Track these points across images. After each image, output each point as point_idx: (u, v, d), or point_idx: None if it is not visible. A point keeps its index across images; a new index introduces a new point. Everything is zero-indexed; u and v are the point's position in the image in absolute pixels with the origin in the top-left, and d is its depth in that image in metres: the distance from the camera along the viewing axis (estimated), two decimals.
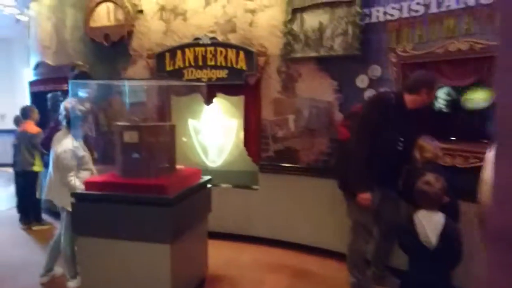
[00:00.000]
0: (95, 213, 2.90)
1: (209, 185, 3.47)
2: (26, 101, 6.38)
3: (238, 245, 4.47)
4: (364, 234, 3.19)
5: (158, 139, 3.05)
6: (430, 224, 2.44)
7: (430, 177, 2.54)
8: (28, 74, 6.46)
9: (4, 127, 8.47)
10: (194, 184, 3.22)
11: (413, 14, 3.50)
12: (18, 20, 7.33)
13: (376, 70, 3.79)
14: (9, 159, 5.24)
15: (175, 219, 2.81)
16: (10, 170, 5.35)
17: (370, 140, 2.98)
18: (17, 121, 5.35)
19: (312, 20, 4.08)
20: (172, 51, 4.67)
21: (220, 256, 4.04)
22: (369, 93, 3.83)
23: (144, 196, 2.80)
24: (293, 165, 4.29)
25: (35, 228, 5.16)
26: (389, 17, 3.67)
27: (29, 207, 5.17)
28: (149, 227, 2.78)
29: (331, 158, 4.06)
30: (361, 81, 3.89)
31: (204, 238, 3.53)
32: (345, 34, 3.92)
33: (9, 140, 5.21)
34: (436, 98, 3.49)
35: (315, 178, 4.15)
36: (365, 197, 3.01)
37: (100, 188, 2.93)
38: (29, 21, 6.47)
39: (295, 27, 4.16)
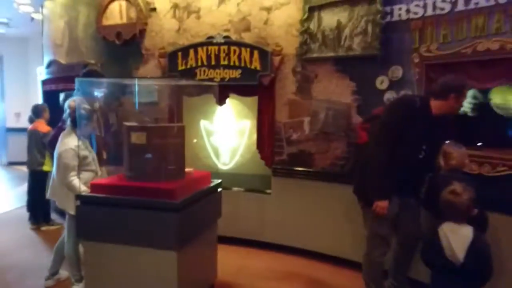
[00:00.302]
0: (100, 217, 2.78)
1: (219, 189, 3.32)
2: (40, 100, 6.36)
3: (249, 251, 4.32)
4: (381, 245, 3.00)
5: (167, 140, 2.91)
6: (456, 238, 2.25)
7: (457, 186, 2.34)
8: (42, 73, 6.44)
9: (20, 126, 8.49)
10: (203, 188, 3.08)
11: (439, 12, 3.30)
12: (33, 19, 7.35)
13: (397, 71, 3.60)
14: (24, 157, 5.19)
15: (182, 225, 2.66)
16: (25, 168, 5.30)
17: (390, 145, 2.80)
18: (31, 119, 5.30)
19: (330, 18, 3.91)
20: (185, 50, 4.55)
21: (230, 262, 3.89)
22: (389, 95, 3.64)
23: (150, 201, 2.66)
24: (307, 170, 4.11)
25: (43, 228, 5.10)
26: (412, 15, 3.47)
27: (38, 207, 5.10)
28: (155, 233, 2.64)
29: (348, 163, 3.88)
30: (381, 82, 3.70)
31: (214, 244, 3.38)
32: (365, 33, 3.73)
33: (25, 138, 5.16)
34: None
35: (330, 184, 3.97)
36: (382, 205, 2.83)
37: (105, 191, 2.81)
38: (43, 20, 6.45)
39: (312, 25, 4.00)
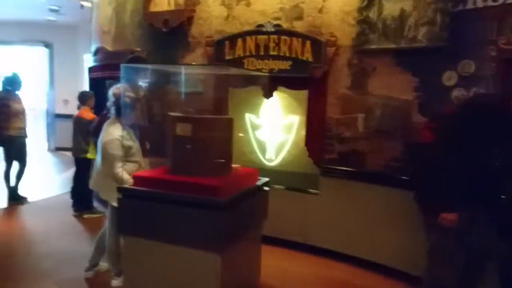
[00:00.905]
0: (141, 212, 2.64)
1: (266, 188, 3.10)
2: (86, 87, 6.40)
3: (291, 253, 4.09)
4: (444, 260, 2.68)
5: (214, 133, 2.72)
6: None
7: None
8: (89, 60, 6.47)
9: (67, 112, 8.67)
10: (250, 186, 2.87)
11: None
12: (82, 6, 7.41)
13: (468, 66, 3.22)
14: (70, 143, 5.21)
15: (228, 225, 2.47)
16: (71, 154, 5.32)
17: (461, 149, 2.48)
18: (79, 107, 5.30)
19: (392, 6, 3.57)
20: (233, 38, 4.35)
21: (273, 264, 3.68)
22: (457, 93, 3.27)
23: (194, 198, 2.48)
24: (359, 170, 3.81)
25: (86, 216, 5.10)
26: (490, 3, 3.08)
27: (82, 195, 5.10)
28: (198, 232, 2.47)
29: (405, 165, 3.54)
30: (448, 78, 3.33)
31: (258, 246, 3.18)
32: (432, 23, 3.37)
33: (71, 125, 5.18)
34: None
35: (384, 187, 3.65)
36: (449, 217, 2.52)
37: (148, 184, 2.66)
38: (92, 7, 6.46)
39: (372, 14, 3.67)
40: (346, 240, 3.94)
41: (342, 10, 3.85)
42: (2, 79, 5.61)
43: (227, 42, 4.40)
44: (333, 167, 3.94)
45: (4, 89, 5.55)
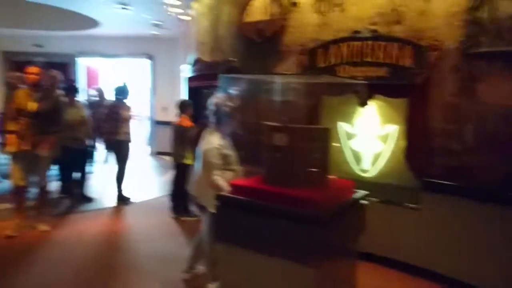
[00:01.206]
0: (237, 220, 2.68)
1: (364, 202, 2.96)
2: (184, 96, 6.79)
3: (385, 271, 3.87)
4: None
5: (310, 143, 2.67)
6: None
7: None
8: (186, 70, 6.85)
9: (166, 119, 9.29)
10: (347, 199, 2.77)
11: None
12: (180, 20, 7.90)
13: None
14: (168, 148, 5.59)
15: (325, 240, 2.39)
16: (169, 158, 5.70)
17: None
18: (179, 115, 5.64)
19: (509, 5, 3.22)
20: (326, 46, 4.29)
21: (368, 282, 3.47)
22: None
23: (290, 209, 2.45)
24: (467, 186, 3.47)
25: (183, 218, 5.38)
26: None
27: (180, 198, 5.40)
28: (294, 245, 2.42)
29: None
30: None
31: (354, 262, 3.05)
32: None
33: (169, 131, 5.56)
34: None
35: (496, 205, 3.28)
36: None
37: (244, 193, 2.70)
38: (190, 20, 6.86)
39: (483, 14, 3.35)
40: (447, 260, 3.61)
41: (448, 12, 3.58)
42: (114, 89, 6.20)
43: (320, 50, 4.34)
44: (437, 181, 3.64)
45: (116, 98, 6.13)
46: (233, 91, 3.84)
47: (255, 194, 2.65)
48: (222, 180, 2.95)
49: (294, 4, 4.65)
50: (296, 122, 3.63)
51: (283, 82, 4.13)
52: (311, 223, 2.36)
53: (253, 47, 5.00)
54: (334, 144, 4.58)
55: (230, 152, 3.18)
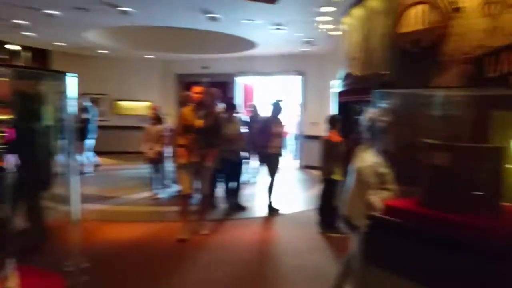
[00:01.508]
0: (390, 243, 2.53)
1: None
2: (333, 111, 6.79)
3: None
4: None
5: (479, 164, 2.38)
6: None
7: None
8: (335, 85, 6.85)
9: (315, 133, 9.42)
10: None
11: None
12: (331, 36, 7.99)
13: None
14: (315, 162, 5.64)
15: (502, 276, 2.08)
16: (316, 172, 5.76)
17: None
18: (328, 129, 5.66)
19: None
20: (495, 53, 3.76)
21: None
22: None
23: (464, 240, 2.15)
24: None
25: (330, 234, 5.33)
26: None
27: (327, 213, 5.37)
28: (458, 280, 2.17)
29: None
30: None
31: None
32: None
33: (317, 145, 5.64)
34: None
35: None
36: None
37: (400, 215, 2.54)
38: (341, 35, 6.86)
39: None
40: None
41: None
42: (271, 104, 6.59)
43: (489, 57, 3.84)
44: None
45: (272, 114, 6.51)
46: (386, 105, 3.67)
47: (412, 217, 2.47)
48: (378, 200, 2.82)
49: (457, 9, 4.23)
50: (457, 140, 3.28)
51: (444, 95, 3.80)
52: (486, 255, 2.07)
53: (408, 59, 4.71)
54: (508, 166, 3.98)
55: (386, 170, 3.02)
